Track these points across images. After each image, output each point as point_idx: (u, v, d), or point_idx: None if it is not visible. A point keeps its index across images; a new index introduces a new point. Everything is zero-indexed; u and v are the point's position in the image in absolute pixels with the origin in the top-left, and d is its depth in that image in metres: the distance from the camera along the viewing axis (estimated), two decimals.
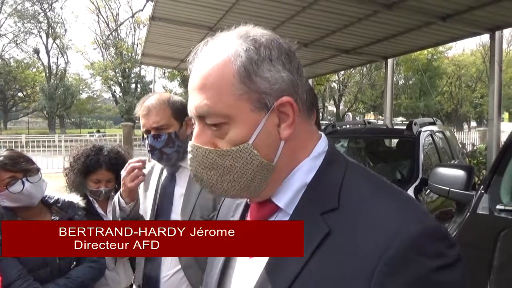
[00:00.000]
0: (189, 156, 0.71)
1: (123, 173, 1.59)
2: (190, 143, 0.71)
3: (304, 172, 0.70)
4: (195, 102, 0.68)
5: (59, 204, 1.91)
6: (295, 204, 0.69)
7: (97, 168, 2.20)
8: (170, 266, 1.60)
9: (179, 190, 1.65)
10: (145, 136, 1.63)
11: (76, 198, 2.01)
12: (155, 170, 1.77)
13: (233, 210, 0.84)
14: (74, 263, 1.83)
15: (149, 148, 1.61)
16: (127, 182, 1.57)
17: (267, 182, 0.69)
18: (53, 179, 3.10)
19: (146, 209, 1.69)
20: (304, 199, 0.69)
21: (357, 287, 0.58)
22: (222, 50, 0.68)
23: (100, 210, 2.29)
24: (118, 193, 1.63)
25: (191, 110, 0.70)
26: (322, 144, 0.73)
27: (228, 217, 0.85)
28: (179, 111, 1.63)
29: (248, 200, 0.78)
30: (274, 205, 0.71)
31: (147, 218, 1.67)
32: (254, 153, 0.67)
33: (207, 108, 0.67)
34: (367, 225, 0.61)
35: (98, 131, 26.36)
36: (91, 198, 2.27)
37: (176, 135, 1.61)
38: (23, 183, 1.73)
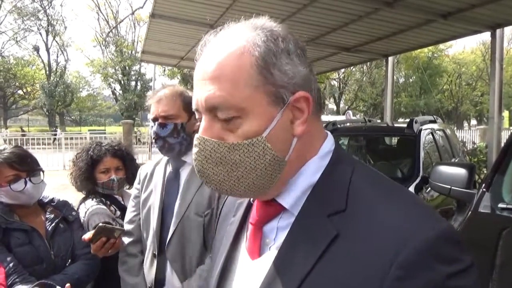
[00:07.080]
0: (195, 150, 0.66)
1: (86, 236, 1.66)
2: (197, 135, 0.66)
3: (311, 172, 0.67)
4: (206, 93, 0.63)
5: (54, 203, 1.93)
6: (301, 205, 0.66)
7: (101, 156, 2.11)
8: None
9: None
10: (153, 123, 1.62)
11: (71, 198, 2.01)
12: (160, 166, 1.75)
13: (235, 209, 0.82)
14: (70, 260, 1.82)
15: (154, 136, 1.61)
16: (100, 254, 1.67)
17: (276, 180, 0.65)
18: (52, 177, 3.08)
19: (153, 204, 1.68)
20: (310, 200, 0.66)
21: None
22: (237, 40, 0.64)
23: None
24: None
25: (199, 102, 0.64)
26: (328, 143, 0.70)
27: (229, 216, 0.82)
28: (190, 104, 1.59)
29: (251, 199, 0.76)
30: (278, 205, 0.68)
31: (155, 214, 1.64)
32: (267, 146, 0.63)
33: (221, 100, 0.62)
34: (377, 228, 0.58)
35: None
36: (106, 204, 2.09)
37: (183, 126, 1.60)
38: (25, 182, 1.74)
